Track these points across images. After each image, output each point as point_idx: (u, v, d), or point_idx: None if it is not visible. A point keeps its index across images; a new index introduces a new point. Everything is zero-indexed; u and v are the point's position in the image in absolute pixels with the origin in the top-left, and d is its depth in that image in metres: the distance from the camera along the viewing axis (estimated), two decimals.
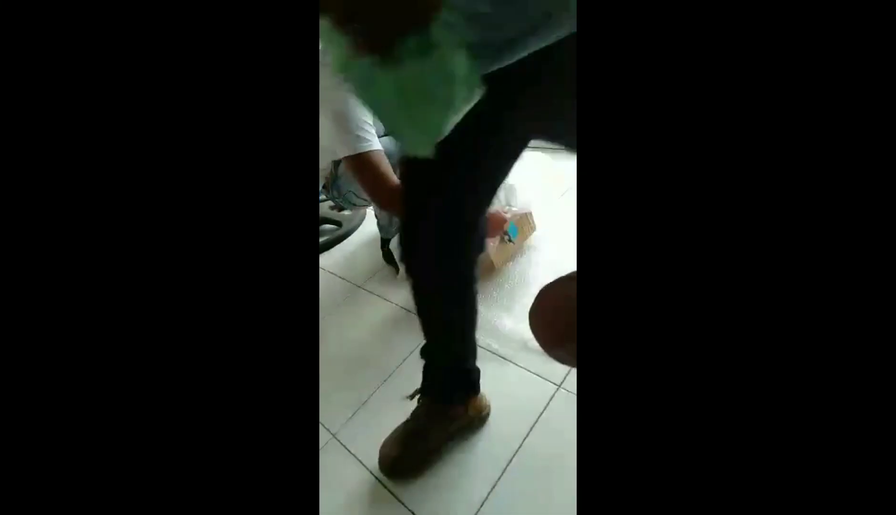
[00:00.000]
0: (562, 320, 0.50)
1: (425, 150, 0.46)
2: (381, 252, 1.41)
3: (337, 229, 1.62)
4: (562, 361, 0.54)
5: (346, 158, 1.01)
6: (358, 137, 0.99)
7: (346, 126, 0.98)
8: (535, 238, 1.27)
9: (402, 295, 1.27)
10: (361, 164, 1.00)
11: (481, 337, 1.04)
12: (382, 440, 0.85)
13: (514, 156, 0.68)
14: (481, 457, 0.84)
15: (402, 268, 1.24)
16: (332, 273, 1.47)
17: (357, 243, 1.57)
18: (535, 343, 0.82)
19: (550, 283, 0.53)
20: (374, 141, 1.01)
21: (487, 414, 0.90)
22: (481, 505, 0.77)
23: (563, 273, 0.53)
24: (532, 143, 0.68)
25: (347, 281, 1.40)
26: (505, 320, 1.09)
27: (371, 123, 1.02)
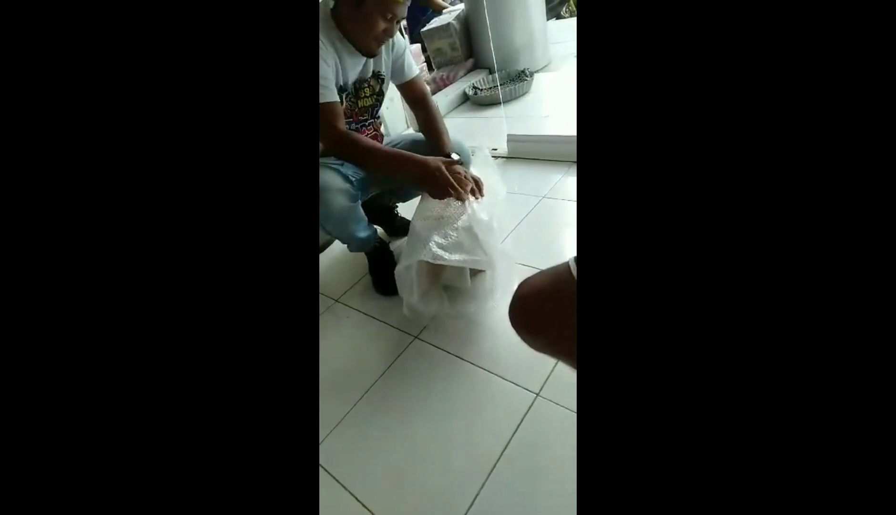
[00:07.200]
0: (531, 308, 0.54)
1: None
2: (354, 265, 1.39)
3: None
4: (538, 349, 0.57)
5: None
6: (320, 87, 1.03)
7: None
8: (511, 246, 1.27)
9: (378, 308, 1.25)
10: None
11: (460, 350, 1.04)
12: (363, 459, 0.81)
13: None
14: (462, 469, 0.82)
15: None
16: None
17: (331, 256, 1.55)
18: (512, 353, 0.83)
19: (528, 277, 0.57)
20: (330, 93, 1.06)
21: None
22: None
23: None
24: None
25: (323, 294, 1.36)
26: (482, 330, 1.09)
27: (331, 79, 1.07)
